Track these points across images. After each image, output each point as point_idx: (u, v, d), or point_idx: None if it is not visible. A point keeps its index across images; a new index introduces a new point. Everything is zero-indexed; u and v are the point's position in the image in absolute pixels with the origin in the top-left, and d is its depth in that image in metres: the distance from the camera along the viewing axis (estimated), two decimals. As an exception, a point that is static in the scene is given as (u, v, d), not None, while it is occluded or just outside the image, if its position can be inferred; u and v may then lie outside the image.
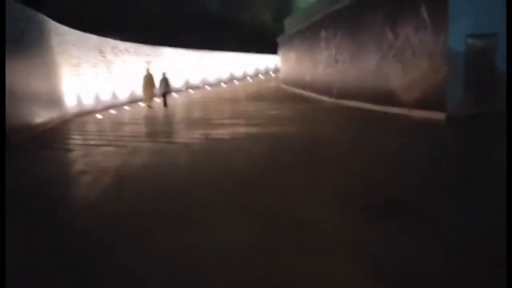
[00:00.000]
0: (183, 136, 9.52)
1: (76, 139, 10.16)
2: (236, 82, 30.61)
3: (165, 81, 17.95)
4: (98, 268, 3.07)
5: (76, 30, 15.63)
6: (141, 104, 19.29)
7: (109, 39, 18.63)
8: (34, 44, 11.41)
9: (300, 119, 11.11)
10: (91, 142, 9.28)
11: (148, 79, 17.71)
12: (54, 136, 10.58)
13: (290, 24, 21.46)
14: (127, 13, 26.37)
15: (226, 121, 11.65)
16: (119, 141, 9.38)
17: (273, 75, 34.94)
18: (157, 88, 17.81)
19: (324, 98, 15.44)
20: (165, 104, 17.47)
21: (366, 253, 3.06)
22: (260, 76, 34.13)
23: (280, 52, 25.59)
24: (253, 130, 9.52)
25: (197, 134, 9.38)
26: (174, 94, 21.90)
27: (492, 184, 4.66)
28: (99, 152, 7.93)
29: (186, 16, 30.19)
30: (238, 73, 32.25)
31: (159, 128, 11.71)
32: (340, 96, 14.18)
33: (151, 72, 18.33)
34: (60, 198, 5.16)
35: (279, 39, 25.01)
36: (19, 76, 10.00)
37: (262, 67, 35.60)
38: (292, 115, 12.19)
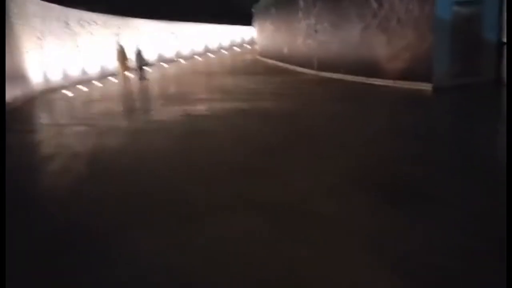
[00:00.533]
0: (161, 113, 8.93)
1: (42, 119, 9.44)
2: (211, 55, 29.69)
3: (139, 54, 17.39)
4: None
5: (38, -1, 14.50)
6: (114, 79, 18.38)
7: (74, 10, 17.45)
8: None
9: (283, 93, 10.64)
10: (60, 122, 8.60)
11: (120, 52, 17.19)
12: (18, 116, 9.81)
13: (266, -7, 20.70)
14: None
15: (205, 96, 11.09)
16: (91, 119, 8.73)
17: (249, 47, 34.11)
18: (132, 62, 17.29)
19: (305, 71, 14.98)
20: (141, 78, 16.95)
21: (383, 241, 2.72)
22: (236, 48, 33.24)
23: (256, 23, 24.81)
24: (234, 105, 9.02)
25: (176, 111, 8.82)
26: (146, 68, 20.95)
27: (488, 156, 4.41)
28: (69, 133, 7.31)
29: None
30: (213, 46, 31.27)
31: (134, 105, 11.04)
32: (321, 68, 13.75)
33: (122, 44, 17.85)
34: (22, 192, 4.53)
35: (254, 10, 24.16)
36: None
37: (237, 39, 34.66)
38: (273, 89, 11.71)
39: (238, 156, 5.10)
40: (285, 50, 17.63)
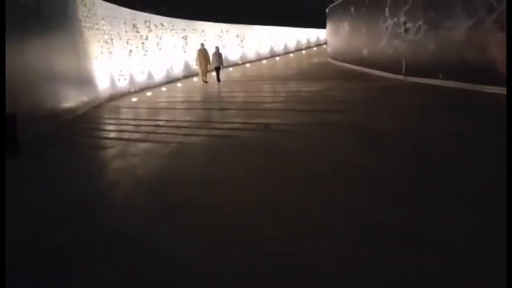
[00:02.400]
0: (236, 126, 7.75)
1: (107, 131, 8.61)
2: (277, 58, 28.51)
3: (217, 55, 17.67)
4: None
5: (105, 1, 14.01)
6: (178, 84, 17.71)
7: (142, 13, 16.96)
8: (55, 16, 9.83)
9: (375, 103, 9.02)
10: (125, 136, 7.65)
11: (202, 54, 17.48)
12: (83, 126, 9.08)
13: (342, -9, 19.09)
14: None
15: (280, 105, 9.78)
16: (159, 133, 7.74)
17: (315, 49, 32.61)
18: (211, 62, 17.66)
19: (389, 75, 13.23)
20: (218, 79, 17.24)
21: None
22: (303, 51, 31.85)
23: (328, 23, 23.20)
24: (318, 118, 7.61)
25: (251, 124, 7.61)
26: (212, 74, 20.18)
27: None
28: (135, 151, 6.30)
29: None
30: (279, 48, 30.10)
31: (205, 115, 9.98)
32: (411, 72, 11.96)
33: (204, 45, 18.23)
34: (79, 228, 3.50)
35: (328, 10, 22.59)
36: (36, 54, 8.47)
37: (303, 42, 33.26)
38: (360, 98, 10.12)
39: (348, 194, 3.71)
40: (364, 52, 15.92)
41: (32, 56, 8.25)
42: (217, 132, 7.27)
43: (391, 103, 8.74)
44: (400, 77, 12.55)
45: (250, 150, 5.77)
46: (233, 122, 8.08)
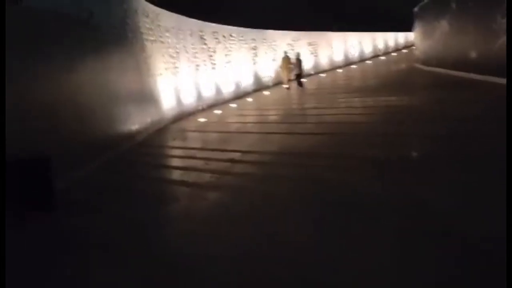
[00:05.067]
0: (335, 162, 5.68)
1: (170, 168, 6.90)
2: (353, 66, 26.03)
3: (298, 62, 17.74)
4: None
5: (168, 11, 12.62)
6: (249, 99, 16.02)
7: (209, 23, 15.49)
8: (113, 29, 8.42)
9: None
10: (192, 177, 5.85)
11: (285, 61, 17.72)
12: (142, 160, 7.45)
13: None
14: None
15: (380, 127, 7.52)
16: (235, 174, 5.85)
17: (395, 54, 29.70)
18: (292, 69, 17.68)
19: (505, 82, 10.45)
20: (300, 84, 17.33)
21: None
22: (381, 57, 29.07)
23: (418, 24, 20.37)
24: (450, 148, 5.31)
25: (355, 158, 5.52)
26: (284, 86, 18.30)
27: None
28: (205, 208, 4.44)
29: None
30: (354, 56, 27.58)
31: (287, 141, 7.95)
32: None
33: (287, 53, 18.47)
34: None
35: (417, 9, 19.81)
36: (88, 73, 7.02)
37: (380, 47, 30.43)
38: (481, 112, 7.52)
39: None
40: (472, 55, 13.11)
41: (82, 76, 6.81)
42: (312, 172, 5.23)
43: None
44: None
45: (375, 215, 3.66)
46: (328, 156, 6.01)
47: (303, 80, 18.24)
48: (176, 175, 6.14)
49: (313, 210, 3.91)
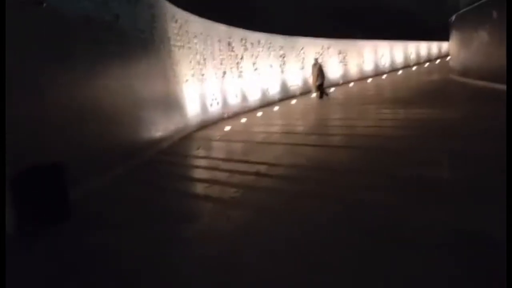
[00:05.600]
0: (371, 181, 5.22)
1: (193, 180, 6.56)
2: (383, 76, 25.34)
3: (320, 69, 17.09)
4: None
5: (197, 16, 12.41)
6: (275, 108, 15.66)
7: (238, 29, 15.24)
8: (140, 33, 8.21)
9: None
10: (216, 192, 5.50)
11: (317, 68, 17.05)
12: (164, 170, 7.16)
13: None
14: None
15: (416, 141, 7.01)
16: (260, 189, 5.48)
17: (427, 65, 28.83)
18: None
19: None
20: (321, 96, 16.82)
21: None
22: (412, 68, 28.25)
23: (454, 33, 19.57)
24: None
25: (393, 176, 5.05)
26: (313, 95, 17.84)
27: None
28: (228, 231, 4.08)
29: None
30: (384, 65, 26.86)
31: (316, 155, 7.54)
32: None
33: (319, 60, 18.16)
34: None
35: (454, 18, 19.05)
36: (112, 79, 6.81)
37: (411, 57, 29.59)
38: None
39: None
40: (515, 67, 12.32)
41: (106, 81, 6.60)
42: (346, 192, 4.79)
43: None
44: None
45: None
46: (362, 172, 5.54)
47: (328, 89, 17.86)
48: (199, 188, 5.79)
49: (354, 242, 3.47)
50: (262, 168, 6.32)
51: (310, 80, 18.00)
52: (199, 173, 6.94)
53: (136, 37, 7.97)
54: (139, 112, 7.89)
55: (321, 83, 16.85)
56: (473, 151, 5.85)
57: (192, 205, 4.95)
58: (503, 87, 12.78)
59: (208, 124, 12.19)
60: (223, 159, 7.47)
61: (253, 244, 3.61)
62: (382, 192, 4.56)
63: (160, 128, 8.97)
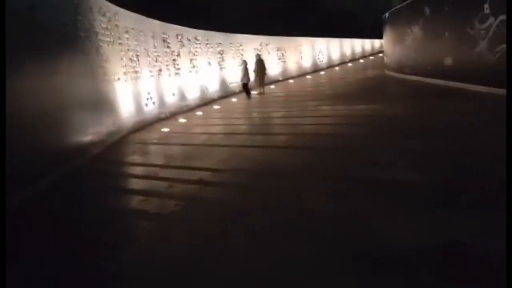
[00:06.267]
0: (327, 185, 4.82)
1: (126, 193, 5.79)
2: (322, 72, 25.58)
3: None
4: None
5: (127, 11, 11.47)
6: (215, 106, 15.06)
7: (173, 25, 14.43)
8: (61, 26, 7.21)
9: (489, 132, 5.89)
10: (154, 205, 4.83)
11: (258, 64, 17.33)
12: (91, 181, 6.29)
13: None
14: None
15: (363, 140, 6.78)
16: (203, 201, 4.88)
17: (362, 61, 29.62)
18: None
19: (490, 90, 10.05)
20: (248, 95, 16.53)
21: None
22: (348, 64, 28.86)
23: (388, 30, 20.07)
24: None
25: (349, 179, 4.69)
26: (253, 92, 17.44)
27: None
28: (170, 250, 3.46)
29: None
30: (322, 62, 27.16)
31: (262, 158, 7.06)
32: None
33: (261, 55, 18.22)
34: None
35: (387, 14, 19.51)
36: (30, 77, 5.85)
37: (347, 53, 30.25)
38: (474, 124, 6.95)
39: None
40: (448, 62, 12.74)
41: (19, 81, 5.63)
42: (301, 199, 4.34)
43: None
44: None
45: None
46: (315, 176, 5.13)
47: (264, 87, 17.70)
48: (134, 202, 5.04)
49: (317, 261, 2.99)
50: (206, 175, 5.71)
51: (253, 77, 17.61)
52: (134, 184, 6.18)
53: (56, 31, 6.98)
54: (63, 114, 6.94)
55: (246, 83, 16.57)
56: (428, 148, 5.66)
57: (126, 225, 4.23)
58: (441, 81, 13.15)
59: (144, 125, 11.32)
60: (161, 166, 6.74)
61: (199, 276, 3.01)
62: (342, 198, 4.15)
63: (89, 131, 8.03)
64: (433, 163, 4.93)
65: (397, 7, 17.45)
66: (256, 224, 3.75)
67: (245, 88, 16.49)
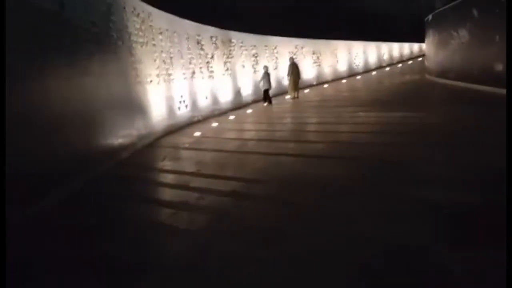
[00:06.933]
0: (371, 205, 4.30)
1: (153, 203, 5.43)
2: (358, 77, 24.82)
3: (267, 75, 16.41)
4: None
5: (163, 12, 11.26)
6: (248, 111, 14.67)
7: (208, 26, 14.16)
8: (92, 26, 6.98)
9: None
10: (183, 220, 4.44)
11: (293, 68, 17.03)
12: (119, 188, 5.97)
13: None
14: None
15: (405, 151, 6.17)
16: (242, 215, 4.45)
17: (400, 65, 28.61)
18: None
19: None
20: (268, 102, 15.89)
21: None
22: (386, 68, 27.92)
23: (431, 33, 19.15)
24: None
25: (401, 200, 4.14)
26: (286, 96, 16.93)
27: None
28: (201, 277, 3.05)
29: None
30: (358, 66, 26.36)
31: (297, 166, 6.61)
32: None
33: (295, 59, 18.00)
34: None
35: (431, 17, 18.61)
36: (55, 80, 5.59)
37: (385, 57, 29.28)
38: None
39: None
40: (499, 68, 11.85)
41: (47, 82, 5.40)
42: (351, 228, 3.83)
43: None
44: None
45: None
46: (358, 193, 4.60)
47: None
48: (162, 215, 4.65)
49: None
50: (239, 186, 5.28)
51: (290, 81, 17.20)
52: (163, 193, 5.82)
53: (86, 30, 6.75)
54: (92, 116, 6.70)
55: (267, 89, 16.04)
56: (485, 163, 5.02)
57: (154, 244, 3.83)
58: (490, 88, 12.26)
59: (176, 129, 11.06)
60: (192, 174, 6.36)
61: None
62: (399, 224, 3.61)
63: (119, 134, 7.79)
64: (496, 183, 4.30)
65: (441, 9, 16.55)
66: (298, 252, 3.27)
67: (265, 94, 15.97)
